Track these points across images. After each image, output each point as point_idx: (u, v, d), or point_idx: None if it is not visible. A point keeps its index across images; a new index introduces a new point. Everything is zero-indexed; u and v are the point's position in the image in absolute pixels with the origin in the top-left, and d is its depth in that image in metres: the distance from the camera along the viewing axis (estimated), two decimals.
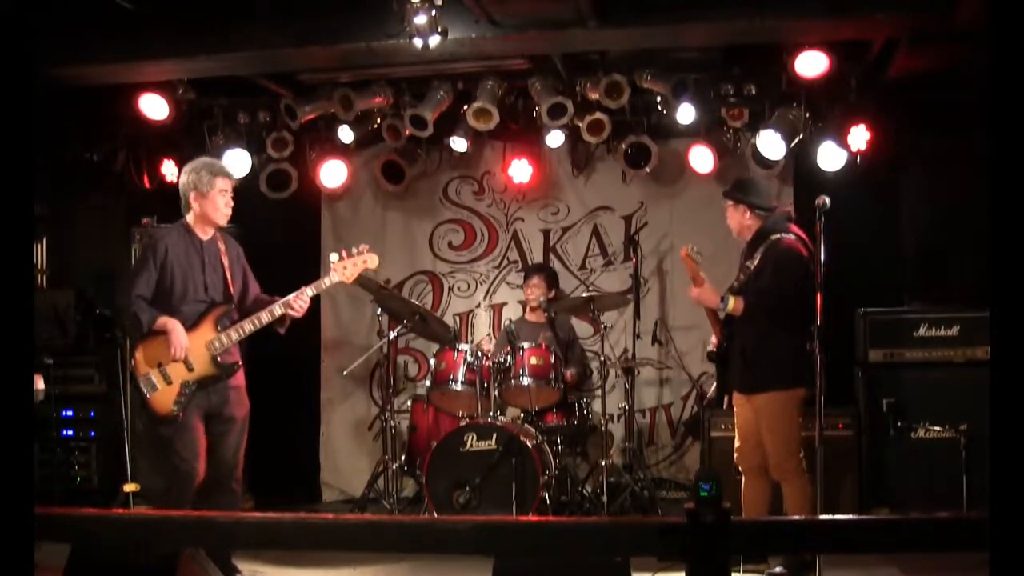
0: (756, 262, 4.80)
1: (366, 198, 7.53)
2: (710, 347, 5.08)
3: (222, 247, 4.83)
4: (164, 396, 4.58)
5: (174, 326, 4.59)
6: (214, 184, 4.73)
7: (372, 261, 5.00)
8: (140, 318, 4.59)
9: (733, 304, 4.73)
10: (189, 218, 4.79)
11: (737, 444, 5.01)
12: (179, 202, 4.84)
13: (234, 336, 4.69)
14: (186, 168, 4.83)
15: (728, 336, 4.90)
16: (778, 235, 4.84)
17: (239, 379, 4.81)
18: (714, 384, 5.16)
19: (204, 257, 4.76)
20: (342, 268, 4.88)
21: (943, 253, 6.53)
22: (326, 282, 4.89)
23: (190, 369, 4.61)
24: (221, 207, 4.76)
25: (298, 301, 4.76)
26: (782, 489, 4.84)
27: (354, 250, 4.94)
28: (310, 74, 6.55)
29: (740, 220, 4.94)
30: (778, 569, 4.75)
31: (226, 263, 4.81)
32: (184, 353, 4.57)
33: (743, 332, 4.82)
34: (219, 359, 4.67)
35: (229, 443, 4.72)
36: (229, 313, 4.76)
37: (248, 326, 4.71)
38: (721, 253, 7.01)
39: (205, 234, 4.79)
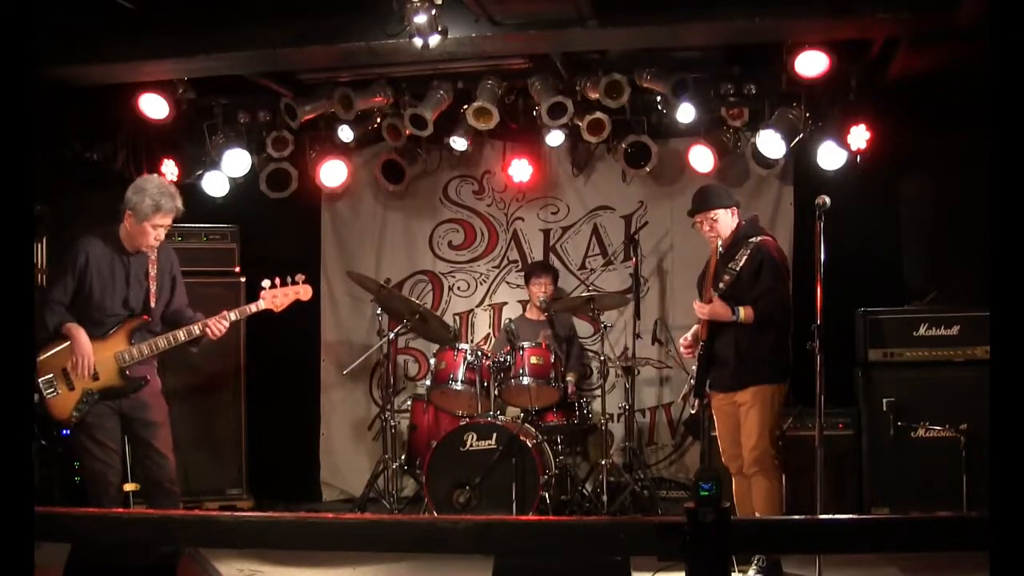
0: (741, 264, 4.85)
1: (366, 198, 7.53)
2: (686, 346, 5.07)
3: (152, 257, 4.76)
4: (64, 401, 4.58)
5: (78, 335, 4.54)
6: (151, 219, 4.61)
7: (305, 293, 5.00)
8: (47, 320, 4.56)
9: (744, 314, 4.76)
10: (122, 231, 4.70)
11: (723, 446, 5.03)
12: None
13: (146, 351, 4.66)
14: (137, 185, 4.69)
15: (712, 337, 4.91)
16: (758, 237, 4.94)
17: (154, 387, 4.78)
18: (687, 384, 5.13)
19: (130, 270, 4.71)
20: (271, 297, 4.87)
21: (943, 253, 6.53)
22: (251, 308, 4.86)
23: (95, 378, 4.59)
24: (150, 239, 4.67)
25: (218, 324, 4.73)
26: (753, 485, 4.83)
27: (289, 280, 4.92)
28: (310, 74, 6.55)
29: (730, 224, 5.00)
30: (751, 572, 4.75)
31: (152, 274, 4.75)
32: (88, 368, 4.54)
33: (738, 332, 4.84)
34: (127, 372, 4.64)
35: (158, 445, 4.71)
36: (146, 327, 4.72)
37: (162, 343, 4.68)
38: None
39: (137, 250, 4.73)
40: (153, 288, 4.75)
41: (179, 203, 4.71)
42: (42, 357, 4.59)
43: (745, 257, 4.85)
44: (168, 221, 4.68)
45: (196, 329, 4.71)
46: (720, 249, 5.00)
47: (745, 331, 4.82)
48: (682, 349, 5.15)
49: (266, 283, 4.88)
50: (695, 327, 5.06)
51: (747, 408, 4.83)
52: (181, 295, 4.94)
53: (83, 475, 4.70)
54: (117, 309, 4.68)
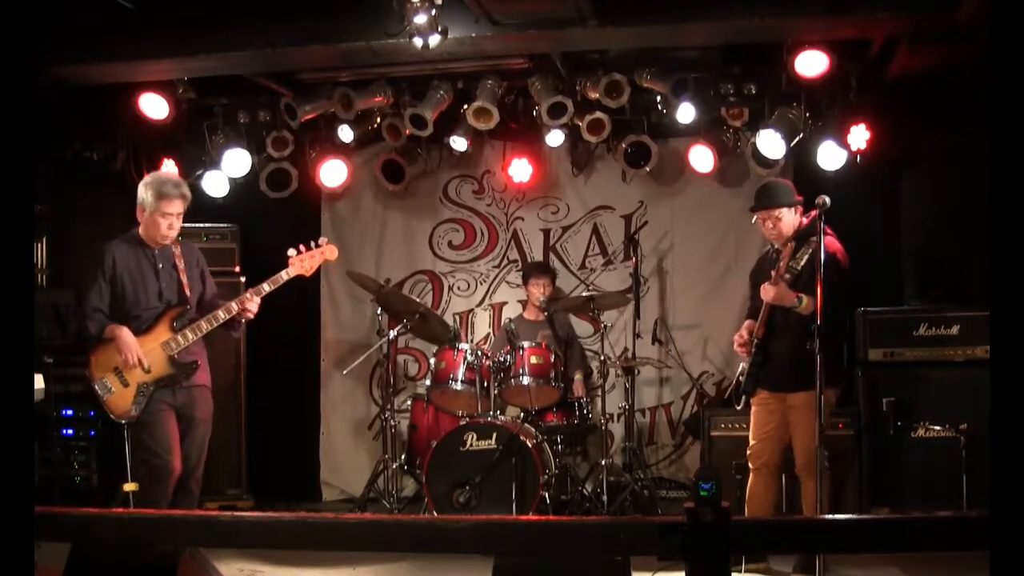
0: (803, 263, 4.74)
1: (366, 197, 7.53)
2: (740, 343, 4.99)
3: (177, 252, 4.89)
4: (121, 398, 4.69)
5: (120, 333, 4.67)
6: (157, 206, 4.74)
7: (331, 253, 5.14)
8: (90, 329, 4.72)
9: (806, 303, 4.68)
10: (140, 229, 4.84)
11: (753, 441, 5.00)
12: None
13: (190, 336, 4.76)
14: (143, 181, 4.86)
15: (770, 335, 4.85)
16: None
17: (204, 379, 4.92)
18: (735, 380, 5.06)
19: (157, 264, 4.83)
20: (299, 262, 4.97)
21: (943, 253, 6.53)
22: (284, 276, 4.94)
23: (147, 371, 4.70)
24: (162, 229, 4.77)
25: (254, 298, 4.84)
26: (804, 485, 4.85)
27: (313, 244, 5.04)
28: (310, 73, 6.55)
29: (793, 223, 4.92)
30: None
31: (182, 267, 4.87)
32: (136, 360, 4.65)
33: (795, 331, 4.75)
34: (176, 358, 4.75)
35: (191, 442, 4.81)
36: (186, 314, 4.83)
37: (205, 325, 4.79)
38: (719, 252, 7.05)
39: (157, 244, 4.84)
40: (184, 279, 4.86)
41: (184, 190, 4.84)
42: (93, 359, 4.72)
43: (807, 256, 4.76)
44: (176, 208, 4.78)
45: (235, 306, 4.80)
46: (780, 247, 4.93)
47: (801, 332, 4.70)
48: (736, 347, 5.07)
49: (292, 252, 4.98)
50: (747, 322, 5.04)
51: (799, 412, 4.79)
52: (212, 286, 5.06)
53: (140, 472, 4.74)
54: (153, 302, 4.80)
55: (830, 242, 4.84)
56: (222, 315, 4.79)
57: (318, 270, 7.18)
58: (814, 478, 4.74)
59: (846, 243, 5.00)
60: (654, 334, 7.05)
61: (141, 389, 4.69)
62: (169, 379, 4.75)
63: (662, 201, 7.22)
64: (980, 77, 2.95)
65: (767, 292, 4.81)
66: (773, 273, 4.81)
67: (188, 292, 4.87)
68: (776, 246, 4.98)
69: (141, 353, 4.67)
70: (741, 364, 5.03)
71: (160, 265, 4.83)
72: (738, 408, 5.05)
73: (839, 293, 4.73)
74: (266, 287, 4.87)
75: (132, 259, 4.80)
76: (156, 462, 4.67)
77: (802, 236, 4.87)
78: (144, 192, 4.77)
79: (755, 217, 5.03)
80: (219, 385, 6.73)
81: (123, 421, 4.71)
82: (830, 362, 4.72)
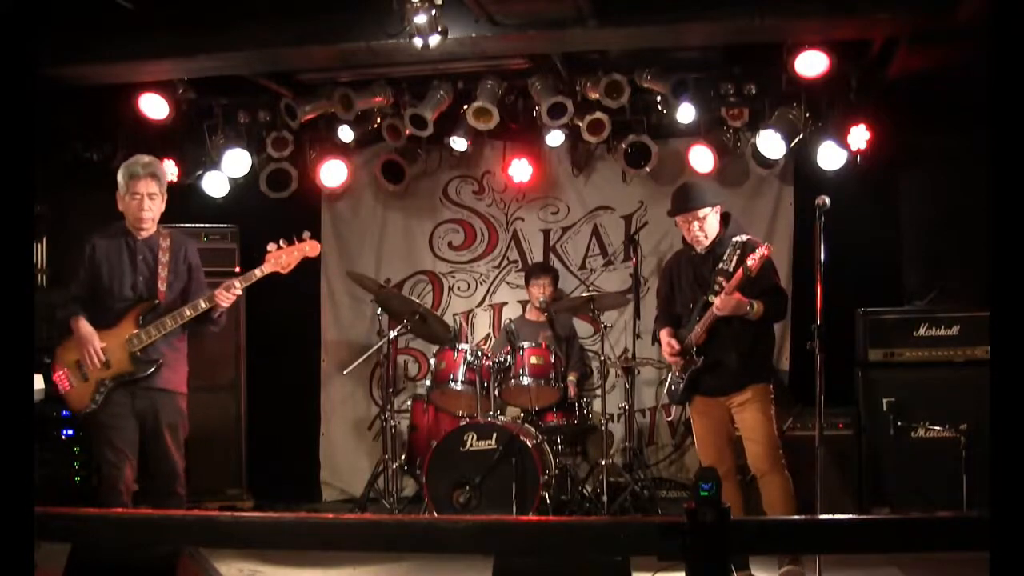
0: (734, 264, 4.64)
1: (366, 198, 7.53)
2: (674, 353, 4.85)
3: (163, 244, 4.73)
4: (80, 392, 4.62)
5: (78, 326, 4.59)
6: (127, 187, 4.63)
7: (313, 249, 4.87)
8: (60, 315, 4.67)
9: (757, 308, 4.60)
10: (125, 219, 4.74)
11: (706, 452, 4.87)
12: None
13: (154, 332, 4.60)
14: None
15: (710, 341, 4.74)
16: (744, 236, 4.76)
17: (169, 383, 4.70)
18: (666, 390, 4.97)
19: (137, 255, 4.70)
20: (275, 258, 4.74)
21: (943, 253, 6.53)
22: (258, 273, 4.73)
23: (107, 366, 4.60)
24: (134, 210, 4.65)
25: (224, 294, 4.63)
26: (766, 484, 4.72)
27: (295, 239, 4.83)
28: (310, 74, 6.55)
29: (716, 224, 4.80)
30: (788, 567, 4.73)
31: (163, 260, 4.71)
32: (95, 360, 4.56)
33: (738, 334, 4.69)
34: (138, 355, 4.61)
35: (160, 451, 4.64)
36: (154, 310, 4.67)
37: (169, 322, 4.61)
38: None
39: (140, 233, 4.71)
40: (163, 273, 4.71)
41: (154, 169, 4.67)
42: (58, 351, 4.67)
43: (735, 258, 4.64)
44: (145, 187, 4.63)
45: (202, 303, 4.63)
46: (701, 251, 4.80)
47: (747, 331, 4.69)
48: (669, 358, 4.92)
49: (271, 246, 4.78)
50: (668, 330, 4.94)
51: (747, 407, 4.72)
52: (200, 282, 4.85)
53: (98, 476, 4.74)
54: (126, 293, 4.68)
55: (758, 242, 4.75)
56: (188, 312, 4.61)
57: (317, 270, 7.34)
58: (778, 475, 4.69)
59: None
60: (654, 334, 7.03)
61: (100, 384, 4.58)
62: (128, 376, 4.60)
63: (662, 201, 7.16)
64: (980, 77, 2.95)
65: (726, 304, 4.57)
66: (724, 282, 4.60)
67: (162, 287, 4.69)
68: (699, 250, 4.82)
69: (98, 348, 4.56)
70: (670, 373, 4.95)
71: (140, 256, 4.70)
72: (668, 419, 4.98)
73: (785, 295, 4.75)
74: (238, 283, 4.67)
75: (113, 249, 4.70)
76: (106, 468, 4.58)
77: (726, 238, 4.77)
78: (118, 177, 4.66)
79: (676, 222, 4.86)
80: (219, 385, 6.82)
81: (81, 414, 4.63)
82: (764, 360, 4.77)
